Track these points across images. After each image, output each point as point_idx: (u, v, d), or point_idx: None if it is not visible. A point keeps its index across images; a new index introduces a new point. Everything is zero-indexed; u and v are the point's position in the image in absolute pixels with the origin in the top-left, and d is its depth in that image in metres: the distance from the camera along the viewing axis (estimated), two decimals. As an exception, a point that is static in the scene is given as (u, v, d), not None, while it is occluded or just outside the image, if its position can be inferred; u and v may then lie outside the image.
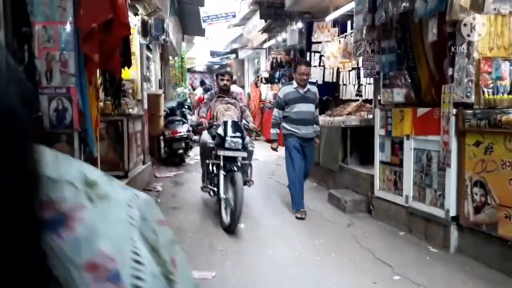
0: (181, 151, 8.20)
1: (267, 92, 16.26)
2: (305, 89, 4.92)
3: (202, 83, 17.00)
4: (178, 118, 8.56)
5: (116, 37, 2.96)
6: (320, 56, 7.38)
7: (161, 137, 8.39)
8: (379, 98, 4.80)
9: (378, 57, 4.67)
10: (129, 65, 3.68)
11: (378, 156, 4.64)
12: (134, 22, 5.80)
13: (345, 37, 6.01)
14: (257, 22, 13.76)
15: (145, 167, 6.58)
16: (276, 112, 5.06)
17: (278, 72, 10.85)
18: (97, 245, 0.32)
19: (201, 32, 13.13)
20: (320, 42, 7.33)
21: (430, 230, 3.91)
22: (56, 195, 0.33)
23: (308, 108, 4.88)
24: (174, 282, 0.36)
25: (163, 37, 5.87)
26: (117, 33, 2.88)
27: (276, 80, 11.27)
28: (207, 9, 8.38)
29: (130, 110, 5.43)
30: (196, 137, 11.94)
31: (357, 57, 5.20)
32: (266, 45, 14.81)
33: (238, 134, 4.35)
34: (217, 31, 28.18)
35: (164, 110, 9.20)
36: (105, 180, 0.38)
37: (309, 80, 7.67)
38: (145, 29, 5.62)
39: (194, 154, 9.63)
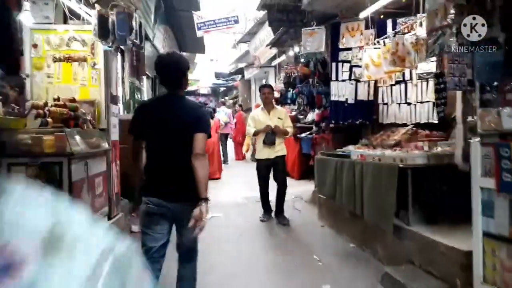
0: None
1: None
2: None
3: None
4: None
5: None
6: (351, 67, 5.56)
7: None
8: (470, 122, 2.93)
9: (470, 56, 2.82)
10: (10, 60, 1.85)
11: (480, 223, 2.70)
12: (91, 18, 4.05)
13: (394, 35, 4.16)
14: (265, 36, 12.08)
15: (113, 222, 4.70)
16: None
17: (290, 91, 9.04)
18: None
19: (201, 48, 11.44)
20: (350, 49, 5.52)
21: None
22: (9, 240, 0.33)
23: None
24: None
25: (134, 39, 4.08)
26: None
27: (289, 101, 9.44)
28: (203, 14, 6.72)
29: (78, 146, 3.59)
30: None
31: (431, 56, 3.33)
32: (275, 62, 13.09)
33: None
34: (222, 51, 26.77)
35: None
36: (83, 223, 0.38)
37: (337, 98, 5.86)
38: (104, 28, 3.84)
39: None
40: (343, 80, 5.56)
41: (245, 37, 13.71)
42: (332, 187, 5.00)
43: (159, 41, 7.72)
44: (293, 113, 12.59)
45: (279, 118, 5.51)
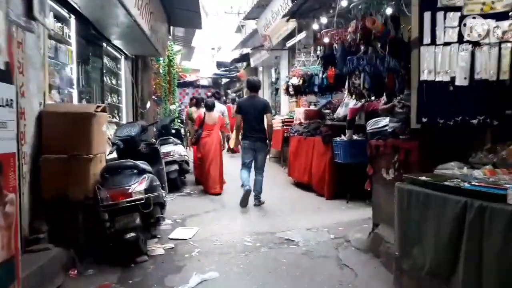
0: (132, 234, 3.77)
1: (290, 107, 11.85)
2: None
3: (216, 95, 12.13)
4: (130, 163, 4.14)
5: None
6: (461, 19, 3.00)
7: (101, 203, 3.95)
8: None
9: None
10: None
11: None
12: None
13: None
14: (279, 7, 9.48)
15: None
16: None
17: (319, 74, 6.45)
18: None
19: (195, 22, 8.86)
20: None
21: None
22: None
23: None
24: None
25: None
26: None
27: (316, 89, 6.88)
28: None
29: None
30: (177, 194, 6.88)
31: None
32: (290, 43, 10.50)
33: None
34: (225, 37, 24.12)
35: (114, 144, 4.85)
36: None
37: (433, 77, 3.16)
38: None
39: (175, 232, 5.12)
40: (447, 44, 2.99)
41: (253, 12, 11.12)
42: (443, 255, 2.48)
43: (131, 2, 5.21)
44: (311, 107, 10.05)
45: None
